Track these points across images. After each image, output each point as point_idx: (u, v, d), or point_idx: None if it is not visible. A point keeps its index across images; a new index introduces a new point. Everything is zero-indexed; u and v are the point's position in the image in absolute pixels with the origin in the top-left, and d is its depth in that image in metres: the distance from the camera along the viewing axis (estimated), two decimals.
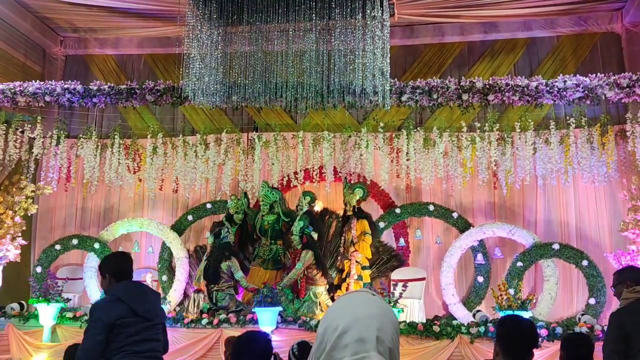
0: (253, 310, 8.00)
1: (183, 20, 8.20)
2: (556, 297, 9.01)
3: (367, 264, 8.80)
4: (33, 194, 9.89)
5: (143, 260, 10.81)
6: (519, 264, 8.96)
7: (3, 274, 9.42)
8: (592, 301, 8.68)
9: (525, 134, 8.90)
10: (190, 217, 10.42)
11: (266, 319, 7.73)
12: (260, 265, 9.04)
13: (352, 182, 9.37)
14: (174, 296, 9.49)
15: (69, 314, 8.41)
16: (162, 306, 7.99)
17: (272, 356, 3.46)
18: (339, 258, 9.12)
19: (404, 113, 10.33)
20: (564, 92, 8.27)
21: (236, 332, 6.99)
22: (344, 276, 8.77)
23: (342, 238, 9.10)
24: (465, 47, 11.00)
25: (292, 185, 9.96)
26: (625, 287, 4.05)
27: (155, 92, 9.26)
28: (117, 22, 10.81)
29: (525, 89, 8.33)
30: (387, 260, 9.56)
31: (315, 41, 8.07)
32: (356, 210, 9.07)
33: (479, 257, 9.44)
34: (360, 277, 8.53)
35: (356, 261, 8.60)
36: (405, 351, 7.25)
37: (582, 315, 8.50)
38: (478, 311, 8.86)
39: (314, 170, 9.83)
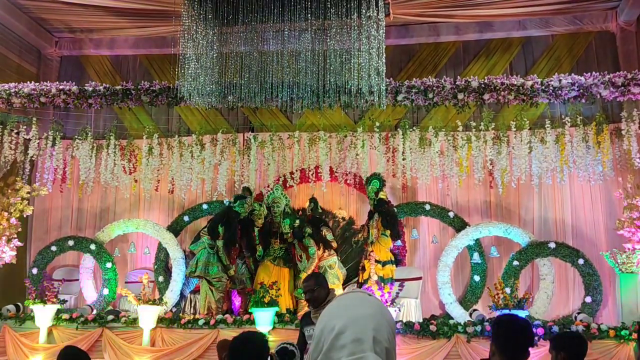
0: (250, 310, 8.03)
1: (178, 20, 8.19)
2: (552, 295, 9.02)
3: (388, 259, 8.72)
4: (28, 195, 9.86)
5: (139, 261, 10.80)
6: (515, 262, 8.98)
7: None
8: (588, 299, 8.70)
9: (521, 133, 8.92)
10: (186, 218, 10.41)
11: (263, 319, 7.73)
12: (271, 261, 9.04)
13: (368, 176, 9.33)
14: (170, 297, 9.47)
15: (65, 316, 8.41)
16: (159, 307, 8.10)
17: (269, 357, 3.45)
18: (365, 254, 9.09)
19: (399, 113, 10.34)
20: (559, 91, 8.29)
21: (233, 332, 7.01)
22: (365, 277, 8.71)
23: (367, 233, 9.05)
24: (461, 47, 11.01)
25: (288, 185, 9.94)
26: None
27: (151, 93, 9.24)
28: (112, 22, 10.78)
29: (521, 88, 8.35)
30: None
31: (310, 41, 8.07)
32: (376, 203, 8.99)
33: (475, 256, 9.46)
34: (381, 279, 8.42)
35: (375, 261, 8.55)
36: (402, 351, 7.26)
37: (579, 313, 8.52)
38: (474, 310, 8.88)
39: (310, 170, 9.85)
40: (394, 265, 8.74)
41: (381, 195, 9.05)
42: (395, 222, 8.90)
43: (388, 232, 8.70)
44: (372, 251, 8.59)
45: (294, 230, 8.95)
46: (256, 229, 9.21)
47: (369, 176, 9.15)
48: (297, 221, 9.04)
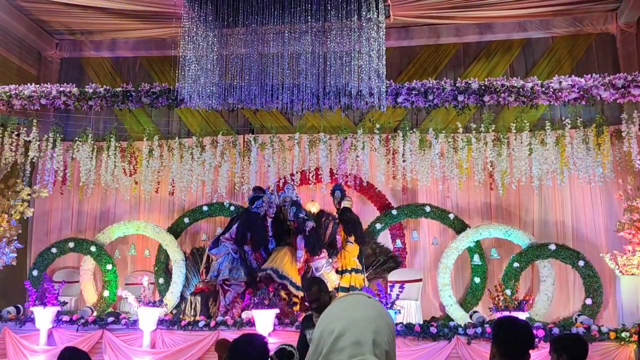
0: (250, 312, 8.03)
1: (179, 22, 8.19)
2: (553, 297, 9.02)
3: (355, 266, 8.79)
4: (29, 197, 9.86)
5: (139, 263, 10.80)
6: (516, 264, 8.97)
7: None
8: (588, 301, 8.69)
9: (521, 135, 8.92)
10: (186, 220, 10.41)
11: (263, 321, 7.72)
12: (283, 246, 8.97)
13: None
14: (170, 299, 9.47)
15: (66, 317, 8.40)
16: (159, 309, 8.09)
17: (269, 359, 3.45)
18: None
19: (399, 114, 10.33)
20: (560, 93, 8.28)
21: (233, 334, 6.99)
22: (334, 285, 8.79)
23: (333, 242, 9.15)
24: (461, 48, 11.01)
25: None
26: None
27: (151, 95, 9.24)
28: (113, 23, 10.79)
29: (521, 89, 8.34)
30: (383, 262, 9.56)
31: (311, 43, 8.07)
32: (340, 212, 9.15)
33: (476, 258, 9.45)
34: (352, 288, 8.56)
35: (340, 270, 8.72)
36: (402, 352, 7.25)
37: (579, 315, 8.51)
38: (475, 312, 8.87)
39: (310, 172, 9.85)
40: (362, 274, 8.87)
41: (344, 203, 9.25)
42: (356, 227, 9.03)
43: (353, 239, 8.78)
44: (336, 260, 8.73)
45: (297, 220, 8.85)
46: (269, 220, 9.14)
47: (332, 188, 9.37)
48: (303, 213, 8.95)
